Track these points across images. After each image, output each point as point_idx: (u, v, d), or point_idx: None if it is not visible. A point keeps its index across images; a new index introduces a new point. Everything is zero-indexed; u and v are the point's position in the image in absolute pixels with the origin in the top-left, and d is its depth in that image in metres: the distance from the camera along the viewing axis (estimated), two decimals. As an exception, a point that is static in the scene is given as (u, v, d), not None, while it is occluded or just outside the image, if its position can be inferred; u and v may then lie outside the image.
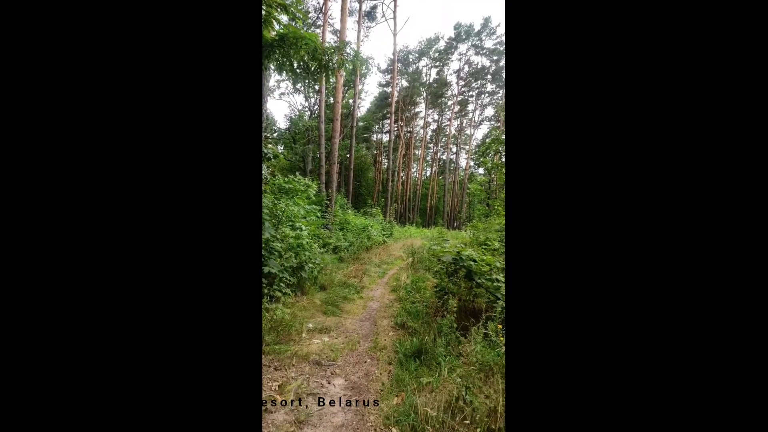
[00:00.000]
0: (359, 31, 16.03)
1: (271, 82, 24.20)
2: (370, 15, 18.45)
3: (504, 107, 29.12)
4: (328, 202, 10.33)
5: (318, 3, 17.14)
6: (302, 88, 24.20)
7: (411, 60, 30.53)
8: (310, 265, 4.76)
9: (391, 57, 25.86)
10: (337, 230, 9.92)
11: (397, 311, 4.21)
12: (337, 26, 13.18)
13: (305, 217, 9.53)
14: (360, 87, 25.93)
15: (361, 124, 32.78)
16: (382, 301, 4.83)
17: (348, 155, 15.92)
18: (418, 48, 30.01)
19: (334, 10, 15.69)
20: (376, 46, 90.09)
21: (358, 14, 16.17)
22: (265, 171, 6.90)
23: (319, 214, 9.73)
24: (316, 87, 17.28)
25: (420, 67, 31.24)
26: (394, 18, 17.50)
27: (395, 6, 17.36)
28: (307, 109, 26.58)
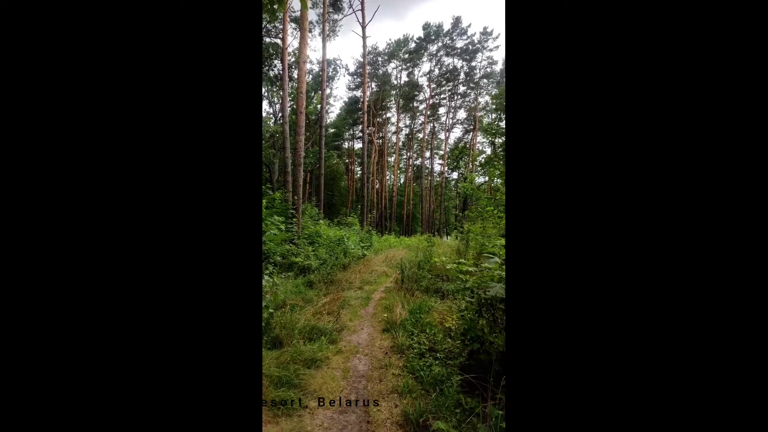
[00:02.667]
0: (324, 26, 14.53)
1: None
2: (336, 5, 17.01)
3: (485, 105, 28.55)
4: (293, 212, 8.51)
5: (276, -7, 15.48)
6: (267, 94, 22.41)
7: (380, 62, 29.47)
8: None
9: (360, 60, 24.68)
10: (305, 245, 8.11)
11: (400, 381, 2.53)
12: (298, 17, 11.63)
13: (265, 231, 7.65)
14: (328, 91, 24.48)
15: (331, 130, 31.18)
16: (372, 354, 3.13)
17: (318, 163, 14.21)
18: (387, 50, 29.03)
19: (294, 2, 14.10)
20: (344, 48, 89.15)
21: (323, 7, 14.68)
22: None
23: (282, 227, 7.89)
24: (281, 93, 15.49)
25: (390, 70, 30.24)
26: (362, 9, 16.17)
27: (362, -3, 16.05)
28: (271, 115, 24.73)
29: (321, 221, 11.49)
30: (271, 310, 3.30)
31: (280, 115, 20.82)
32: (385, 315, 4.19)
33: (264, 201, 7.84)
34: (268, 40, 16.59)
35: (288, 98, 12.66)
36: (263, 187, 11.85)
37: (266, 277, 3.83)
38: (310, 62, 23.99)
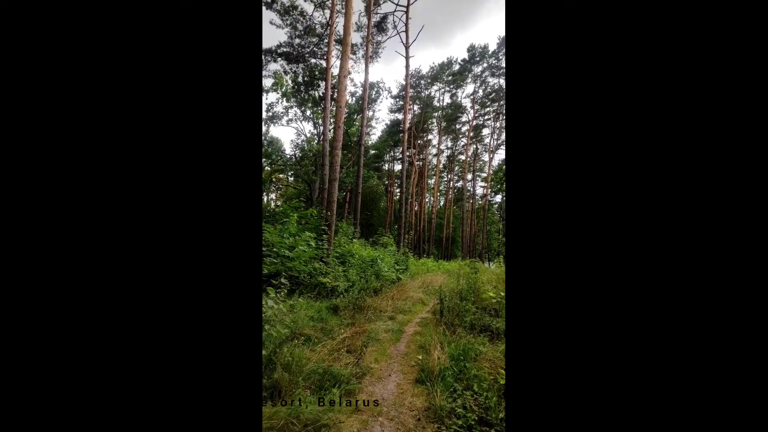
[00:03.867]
0: (367, 47, 14.63)
1: (279, 108, 23.30)
2: (380, 27, 17.21)
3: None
4: (325, 228, 8.02)
5: (324, 18, 16.06)
6: (312, 115, 23.17)
7: (423, 85, 29.46)
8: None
9: (403, 83, 24.76)
10: (336, 265, 7.52)
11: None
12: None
13: (292, 247, 7.19)
14: (370, 113, 24.74)
15: (372, 152, 31.41)
16: (399, 419, 2.29)
17: (356, 181, 13.93)
18: (430, 73, 29.02)
19: (340, 24, 14.43)
20: (387, 71, 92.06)
21: (367, 29, 14.87)
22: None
23: (312, 243, 7.40)
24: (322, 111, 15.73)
25: (433, 93, 30.09)
26: (407, 30, 16.16)
27: (407, 18, 16.07)
28: (315, 135, 25.45)
29: (355, 240, 10.91)
30: (274, 347, 2.63)
31: (322, 135, 21.38)
32: (420, 357, 3.35)
33: (295, 215, 7.44)
34: (313, 61, 17.13)
35: (330, 117, 12.65)
36: (297, 200, 11.75)
37: (271, 302, 3.18)
38: (354, 85, 24.55)
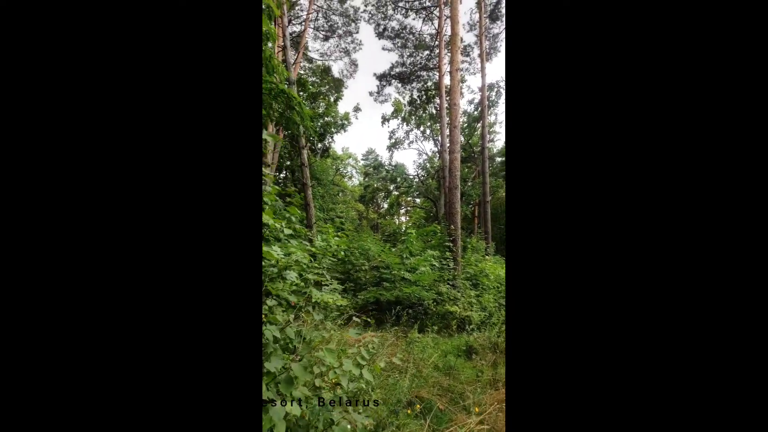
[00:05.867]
0: (481, 41, 13.25)
1: (400, 133, 24.06)
2: (493, 15, 15.52)
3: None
4: (450, 245, 6.82)
5: (434, 28, 15.61)
6: (431, 134, 23.01)
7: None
8: None
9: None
10: (467, 288, 6.18)
11: None
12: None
13: (414, 269, 6.26)
14: (492, 118, 22.73)
15: (499, 159, 28.73)
16: None
17: (483, 190, 12.33)
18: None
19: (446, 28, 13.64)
20: None
21: (479, 25, 13.58)
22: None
23: (436, 263, 6.33)
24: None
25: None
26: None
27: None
28: (437, 153, 25.05)
29: (489, 257, 9.24)
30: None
31: (441, 146, 20.65)
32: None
33: (413, 231, 6.59)
34: (425, 73, 16.80)
35: (446, 127, 11.79)
36: (421, 217, 11.08)
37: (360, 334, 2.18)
38: (471, 91, 23.18)
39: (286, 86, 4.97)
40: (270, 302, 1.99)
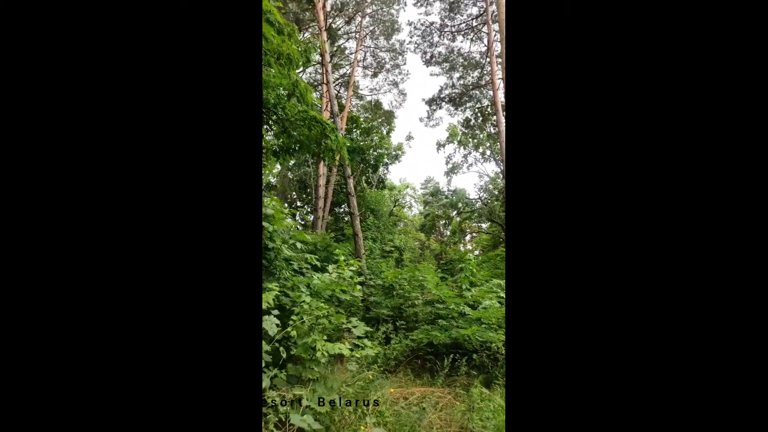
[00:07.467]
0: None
1: (458, 158, 23.29)
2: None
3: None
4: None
5: (484, 45, 15.08)
6: (491, 154, 21.85)
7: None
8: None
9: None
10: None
11: None
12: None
13: (478, 302, 5.28)
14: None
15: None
16: None
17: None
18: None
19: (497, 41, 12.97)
20: None
21: None
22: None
23: (502, 294, 5.27)
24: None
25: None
26: None
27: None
28: (500, 173, 23.52)
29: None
30: None
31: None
32: None
33: (471, 258, 5.68)
34: (477, 92, 16.07)
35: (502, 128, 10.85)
36: (487, 242, 9.98)
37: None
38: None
39: (317, 113, 4.80)
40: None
